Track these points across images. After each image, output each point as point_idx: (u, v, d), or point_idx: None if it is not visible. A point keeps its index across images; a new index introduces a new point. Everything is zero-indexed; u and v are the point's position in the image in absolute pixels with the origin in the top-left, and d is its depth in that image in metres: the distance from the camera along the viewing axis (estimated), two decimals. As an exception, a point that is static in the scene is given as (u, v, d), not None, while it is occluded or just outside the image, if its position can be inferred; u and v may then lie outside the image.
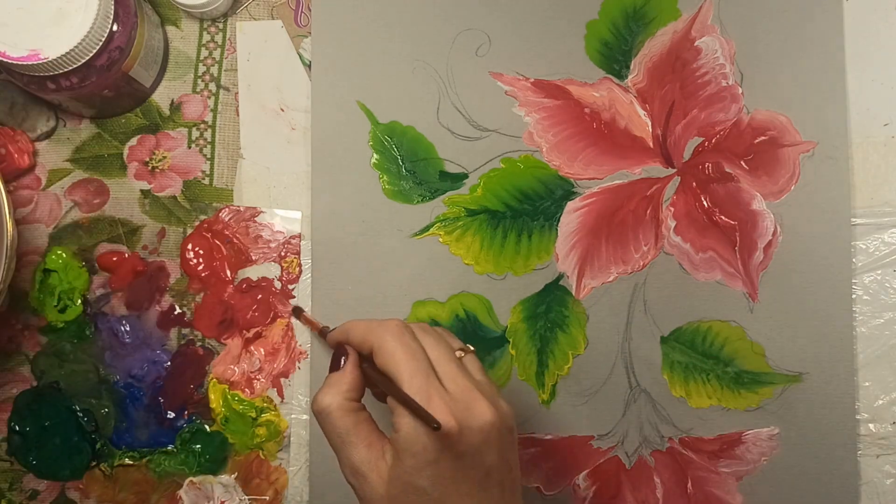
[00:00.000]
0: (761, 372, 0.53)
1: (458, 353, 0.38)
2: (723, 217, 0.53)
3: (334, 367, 0.39)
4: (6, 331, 0.53)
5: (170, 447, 0.52)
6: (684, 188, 0.53)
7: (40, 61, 0.45)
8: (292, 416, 0.53)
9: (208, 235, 0.53)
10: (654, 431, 0.53)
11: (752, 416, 0.53)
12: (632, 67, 0.53)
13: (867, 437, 0.52)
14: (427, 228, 0.53)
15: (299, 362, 0.53)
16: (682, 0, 0.54)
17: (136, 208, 0.54)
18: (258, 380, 0.53)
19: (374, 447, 0.36)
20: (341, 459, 0.37)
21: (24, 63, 0.45)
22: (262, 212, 0.54)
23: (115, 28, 0.47)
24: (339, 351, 0.39)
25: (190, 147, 0.54)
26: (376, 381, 0.38)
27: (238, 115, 0.54)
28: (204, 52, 0.55)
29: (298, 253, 0.53)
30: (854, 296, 0.52)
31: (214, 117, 0.54)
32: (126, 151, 0.54)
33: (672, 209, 0.53)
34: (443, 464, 0.34)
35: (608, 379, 0.53)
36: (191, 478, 0.52)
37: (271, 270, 0.53)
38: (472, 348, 0.40)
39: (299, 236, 0.53)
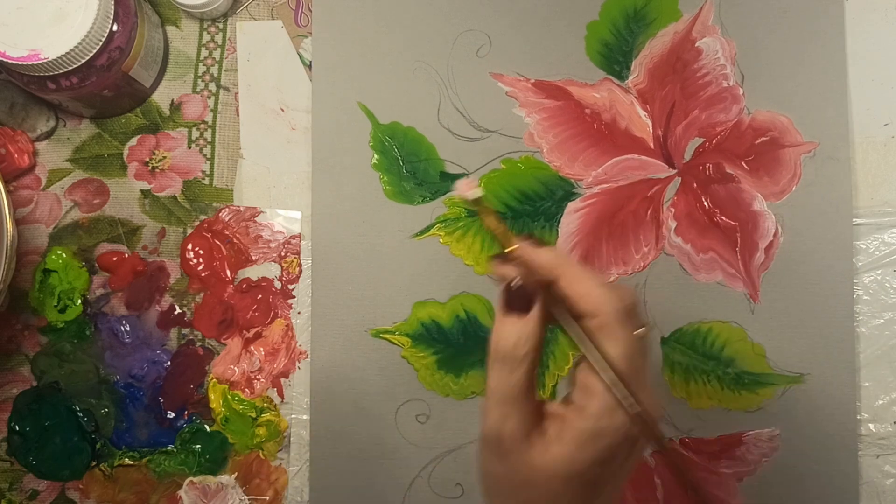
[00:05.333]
0: (762, 373, 0.53)
1: (640, 331, 0.33)
2: (724, 218, 0.53)
3: (518, 310, 0.33)
4: (6, 331, 0.53)
5: (170, 447, 0.52)
6: (685, 189, 0.53)
7: (40, 61, 0.45)
8: (292, 416, 0.53)
9: (208, 235, 0.53)
10: (655, 432, 0.53)
11: (753, 417, 0.53)
12: (632, 68, 0.53)
13: (867, 437, 0.52)
14: (428, 229, 0.53)
15: (299, 362, 0.53)
16: (682, 1, 0.54)
17: (136, 208, 0.54)
18: (258, 380, 0.53)
19: (536, 413, 0.33)
20: (497, 417, 0.32)
21: (24, 63, 0.45)
22: (262, 212, 0.54)
23: (115, 28, 0.47)
24: (528, 297, 0.33)
25: (190, 147, 0.54)
26: (582, 349, 0.32)
27: (238, 115, 0.54)
28: (204, 52, 0.54)
29: (298, 253, 0.53)
30: (854, 296, 0.52)
31: (214, 117, 0.54)
32: (126, 151, 0.54)
33: (673, 210, 0.53)
34: (619, 451, 0.32)
35: (608, 379, 0.53)
36: (191, 478, 0.52)
37: (271, 270, 0.53)
38: (649, 326, 0.35)
39: (299, 236, 0.53)
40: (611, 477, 0.33)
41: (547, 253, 0.33)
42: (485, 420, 0.33)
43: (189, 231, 0.53)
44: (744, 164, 0.53)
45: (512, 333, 0.32)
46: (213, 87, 0.54)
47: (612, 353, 0.31)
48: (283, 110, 0.54)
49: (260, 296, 0.53)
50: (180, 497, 0.52)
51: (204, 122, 0.54)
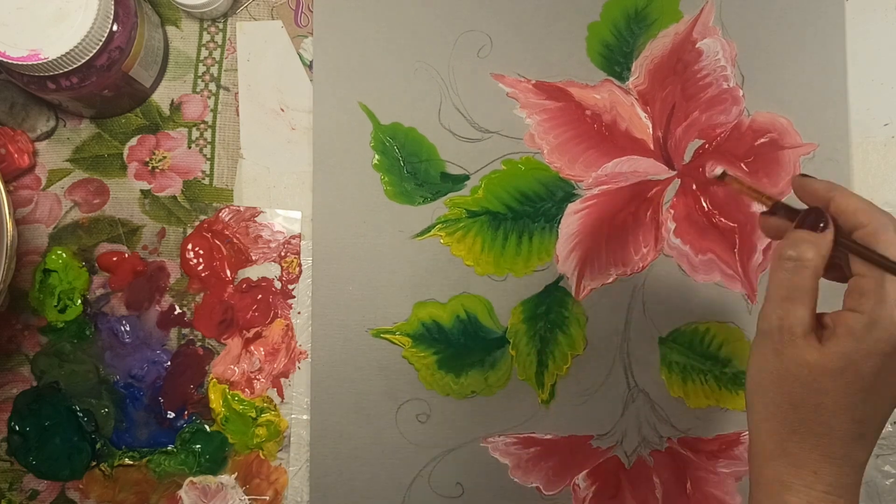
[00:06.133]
0: (760, 373, 0.53)
1: None
2: (722, 219, 0.53)
3: (809, 226, 0.36)
4: (6, 331, 0.52)
5: (170, 447, 0.52)
6: (684, 190, 0.53)
7: (40, 61, 0.45)
8: (292, 416, 0.53)
9: (208, 235, 0.53)
10: (653, 431, 0.53)
11: (751, 417, 0.53)
12: (633, 69, 0.53)
13: (864, 436, 0.52)
14: (428, 230, 0.53)
15: (299, 362, 0.53)
16: (683, 2, 0.54)
17: (136, 208, 0.54)
18: (258, 380, 0.53)
19: (815, 314, 0.36)
20: (779, 314, 0.36)
21: (24, 63, 0.45)
22: (262, 212, 0.54)
23: (115, 28, 0.47)
24: (818, 213, 0.36)
25: (190, 147, 0.54)
26: (856, 253, 0.36)
27: (238, 115, 0.54)
28: (204, 52, 0.54)
29: (298, 253, 0.53)
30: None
31: (214, 117, 0.54)
32: (126, 151, 0.54)
33: (672, 211, 0.53)
34: (891, 361, 0.34)
35: (607, 379, 0.53)
36: (191, 478, 0.52)
37: (271, 270, 0.53)
38: None
39: (299, 236, 0.53)
40: (881, 386, 0.34)
41: (819, 182, 0.38)
42: (765, 317, 0.36)
43: (189, 231, 0.53)
44: (743, 166, 0.53)
45: (804, 239, 0.36)
46: (213, 87, 0.54)
47: (887, 252, 0.34)
48: (283, 110, 0.54)
49: (260, 296, 0.53)
50: (180, 497, 0.52)
51: (204, 122, 0.54)
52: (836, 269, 0.37)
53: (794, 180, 0.39)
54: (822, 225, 0.36)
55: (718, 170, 0.49)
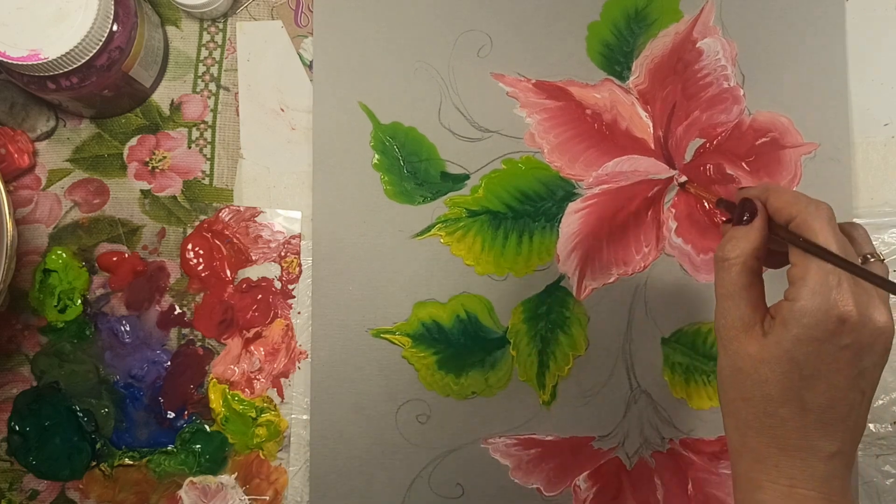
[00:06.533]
0: (762, 373, 0.53)
1: (869, 258, 0.38)
2: (724, 219, 0.52)
3: (739, 221, 0.38)
4: (6, 331, 0.52)
5: (170, 447, 0.52)
6: (686, 190, 0.53)
7: (40, 61, 0.45)
8: (292, 416, 0.53)
9: (208, 235, 0.53)
10: (655, 433, 0.53)
11: (753, 418, 0.53)
12: (633, 69, 0.53)
13: (867, 437, 0.52)
14: (428, 229, 0.53)
15: (299, 362, 0.53)
16: (683, 1, 0.54)
17: (136, 208, 0.54)
18: (258, 380, 0.53)
19: (758, 310, 0.36)
20: (721, 311, 0.37)
21: (24, 63, 0.45)
22: (262, 212, 0.54)
23: (115, 28, 0.47)
24: (748, 206, 0.38)
25: (190, 147, 0.54)
26: (788, 242, 0.37)
27: (238, 115, 0.54)
28: (204, 52, 0.54)
29: (298, 253, 0.53)
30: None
31: (214, 117, 0.54)
32: (126, 151, 0.54)
33: (673, 211, 0.53)
34: (826, 346, 0.34)
35: (609, 380, 0.53)
36: (191, 478, 0.52)
37: (271, 270, 0.53)
38: (882, 256, 0.39)
39: (299, 236, 0.53)
40: (825, 372, 0.34)
41: (754, 188, 0.39)
42: (715, 318, 0.38)
43: (189, 231, 0.53)
44: (744, 165, 0.53)
45: (732, 237, 0.37)
46: (213, 87, 0.54)
47: (816, 239, 0.35)
48: (283, 110, 0.54)
49: (260, 296, 0.53)
50: (180, 497, 0.52)
51: (204, 122, 0.54)
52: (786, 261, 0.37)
53: (736, 195, 0.40)
54: (747, 216, 0.37)
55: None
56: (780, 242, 0.37)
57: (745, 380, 0.36)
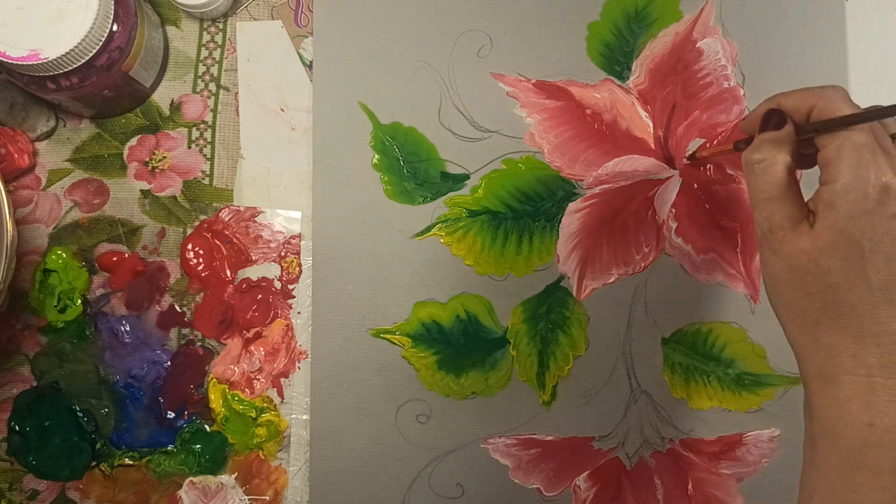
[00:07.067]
0: (762, 374, 0.53)
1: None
2: (724, 218, 0.53)
3: (766, 128, 0.38)
4: (6, 331, 0.52)
5: (170, 447, 0.52)
6: (686, 189, 0.53)
7: (40, 61, 0.45)
8: (292, 416, 0.53)
9: (208, 235, 0.53)
10: (655, 433, 0.53)
11: (753, 418, 0.53)
12: (633, 69, 0.53)
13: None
14: (428, 229, 0.53)
15: (299, 362, 0.53)
16: (683, 1, 0.54)
17: (136, 208, 0.54)
18: (258, 380, 0.53)
19: (802, 206, 0.36)
20: (764, 215, 0.36)
21: (24, 63, 0.45)
22: (262, 212, 0.54)
23: (115, 28, 0.47)
24: (773, 115, 0.38)
25: (190, 147, 0.54)
26: (816, 131, 0.36)
27: (238, 115, 0.54)
28: (204, 52, 0.54)
29: (298, 253, 0.53)
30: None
31: (214, 117, 0.54)
32: (126, 151, 0.54)
33: (674, 210, 0.53)
34: (875, 218, 0.34)
35: (609, 380, 0.53)
36: (191, 478, 0.52)
37: (271, 270, 0.53)
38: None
39: (299, 236, 0.53)
40: (878, 242, 0.34)
41: (758, 108, 0.39)
42: (757, 225, 0.37)
43: (189, 231, 0.53)
44: (744, 165, 0.53)
45: (764, 139, 0.37)
46: (213, 87, 0.54)
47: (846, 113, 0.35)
48: (283, 110, 0.54)
49: (260, 296, 0.53)
50: (180, 497, 0.52)
51: (204, 122, 0.54)
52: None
53: (741, 125, 0.40)
54: (779, 121, 0.37)
55: (690, 151, 0.52)
56: (804, 145, 0.37)
57: (804, 276, 0.35)
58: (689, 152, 0.52)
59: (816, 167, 0.36)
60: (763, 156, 0.37)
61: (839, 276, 0.34)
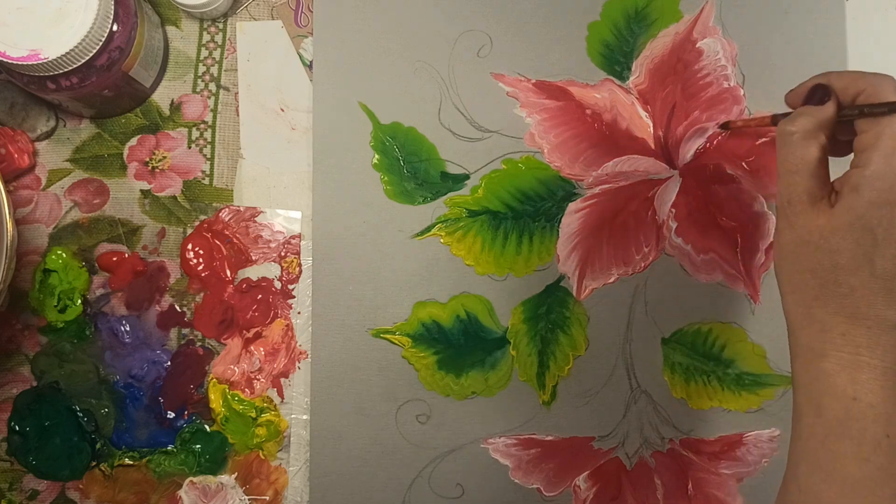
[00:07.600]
0: (762, 374, 0.53)
1: None
2: (724, 218, 0.53)
3: (810, 101, 0.38)
4: (6, 331, 0.52)
5: (170, 447, 0.52)
6: (686, 189, 0.53)
7: (40, 61, 0.45)
8: (292, 416, 0.53)
9: (208, 235, 0.53)
10: (655, 433, 0.53)
11: (753, 418, 0.53)
12: (633, 69, 0.53)
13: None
14: (428, 229, 0.53)
15: (299, 362, 0.53)
16: (683, 1, 0.54)
17: (136, 208, 0.54)
18: (258, 380, 0.53)
19: (825, 184, 0.37)
20: (787, 186, 0.37)
21: (24, 63, 0.45)
22: (262, 212, 0.54)
23: (115, 28, 0.47)
24: (820, 89, 0.38)
25: (190, 147, 0.54)
26: (859, 116, 0.37)
27: (238, 115, 0.54)
28: (204, 52, 0.54)
29: (298, 253, 0.53)
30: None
31: (214, 117, 0.54)
32: (126, 151, 0.54)
33: (673, 210, 0.53)
34: None
35: (609, 380, 0.53)
36: (191, 478, 0.52)
37: (271, 270, 0.53)
38: None
39: (299, 236, 0.53)
40: (892, 231, 0.35)
41: (808, 80, 0.39)
42: (778, 194, 0.38)
43: (189, 231, 0.53)
44: (744, 165, 0.53)
45: (802, 112, 0.38)
46: (213, 87, 0.54)
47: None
48: (283, 110, 0.54)
49: (260, 296, 0.53)
50: (180, 497, 0.52)
51: (204, 122, 0.54)
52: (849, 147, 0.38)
53: (786, 97, 0.41)
54: (823, 97, 0.37)
55: (721, 122, 0.52)
56: (842, 130, 0.37)
57: (813, 252, 0.36)
58: (722, 123, 0.52)
59: (845, 158, 0.37)
60: (798, 128, 0.37)
61: (846, 259, 0.35)
